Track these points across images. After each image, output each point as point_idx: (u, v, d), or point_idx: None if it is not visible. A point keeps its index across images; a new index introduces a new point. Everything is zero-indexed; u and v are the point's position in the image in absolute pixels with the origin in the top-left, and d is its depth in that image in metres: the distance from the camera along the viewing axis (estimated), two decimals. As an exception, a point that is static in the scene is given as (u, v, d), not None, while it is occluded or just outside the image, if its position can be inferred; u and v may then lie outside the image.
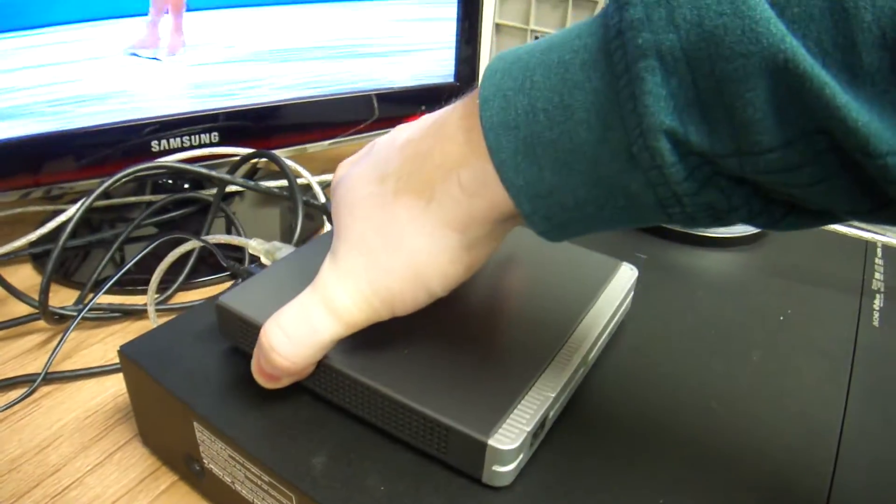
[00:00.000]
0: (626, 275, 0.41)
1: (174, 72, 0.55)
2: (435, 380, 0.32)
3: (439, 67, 0.66)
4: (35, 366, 0.47)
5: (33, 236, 0.52)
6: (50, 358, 0.46)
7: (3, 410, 0.44)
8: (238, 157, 0.56)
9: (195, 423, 0.35)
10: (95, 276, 0.52)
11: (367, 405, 0.33)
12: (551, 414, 0.32)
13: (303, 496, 0.31)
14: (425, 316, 0.35)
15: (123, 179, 0.49)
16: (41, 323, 0.51)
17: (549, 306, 0.37)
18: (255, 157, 0.54)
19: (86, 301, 0.50)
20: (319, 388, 0.34)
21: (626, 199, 0.24)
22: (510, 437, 0.29)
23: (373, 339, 0.34)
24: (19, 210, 0.62)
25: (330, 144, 0.65)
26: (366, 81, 0.63)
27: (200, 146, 0.56)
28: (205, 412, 0.35)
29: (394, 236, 0.29)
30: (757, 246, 0.52)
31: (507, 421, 0.30)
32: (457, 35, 0.65)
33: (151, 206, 0.58)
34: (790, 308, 0.44)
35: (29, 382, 0.46)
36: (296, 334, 0.31)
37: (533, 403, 0.31)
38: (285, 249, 0.44)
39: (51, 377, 0.46)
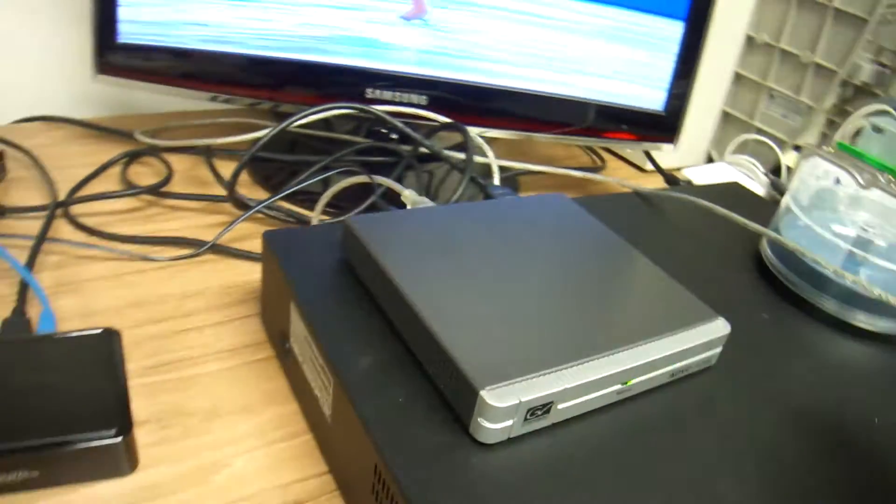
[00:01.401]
0: (716, 328, 0.39)
1: (412, 34, 0.61)
2: (477, 325, 0.34)
3: (651, 95, 0.67)
4: (209, 236, 0.55)
5: (238, 138, 0.60)
6: (221, 232, 0.54)
7: (172, 260, 0.53)
8: (436, 124, 0.61)
9: (291, 305, 0.40)
10: (287, 186, 0.60)
11: (408, 325, 0.36)
12: (560, 406, 0.33)
13: (338, 384, 0.34)
14: (509, 271, 0.38)
15: (325, 113, 0.56)
16: (229, 207, 0.59)
17: (623, 319, 0.38)
18: (447, 128, 0.59)
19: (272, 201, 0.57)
20: (385, 302, 0.38)
21: None
22: (502, 397, 0.31)
23: (449, 273, 0.37)
24: (250, 120, 0.72)
25: (534, 137, 0.68)
26: (577, 88, 0.65)
27: (409, 105, 0.62)
28: (301, 297, 0.39)
29: None
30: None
31: (509, 385, 0.31)
32: (674, 70, 0.65)
33: (354, 146, 0.65)
34: (890, 415, 0.40)
35: (199, 246, 0.54)
36: None
37: (543, 384, 0.32)
38: (426, 204, 0.48)
39: (217, 248, 0.54)
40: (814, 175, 0.77)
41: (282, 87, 0.63)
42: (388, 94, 0.62)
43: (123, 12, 0.58)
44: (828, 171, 0.75)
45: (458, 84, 0.63)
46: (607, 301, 0.39)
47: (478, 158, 0.61)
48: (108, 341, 0.41)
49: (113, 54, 0.59)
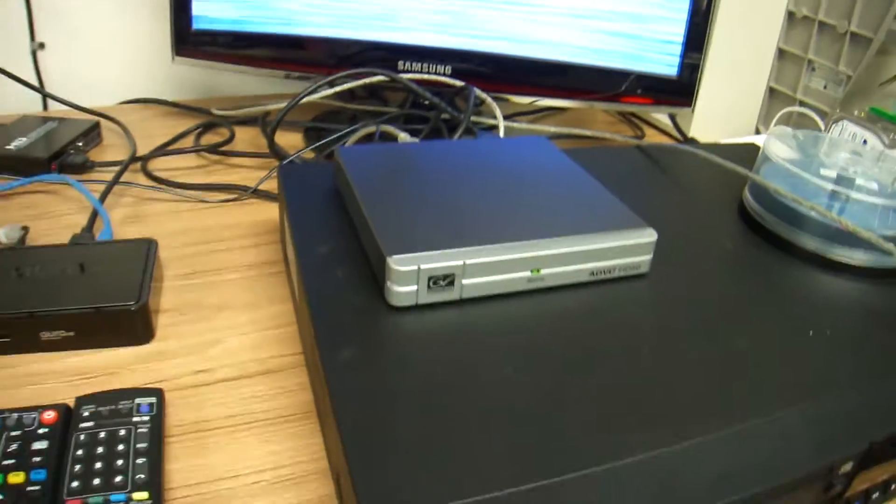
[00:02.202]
0: (640, 234, 0.43)
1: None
2: (407, 215, 0.41)
3: (664, 59, 0.70)
4: (253, 183, 0.65)
5: (274, 107, 0.70)
6: (262, 179, 0.63)
7: (221, 202, 0.63)
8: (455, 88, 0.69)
9: (285, 216, 0.48)
10: (321, 140, 0.68)
11: (357, 218, 0.43)
12: (466, 282, 0.39)
13: (299, 266, 0.42)
14: (460, 183, 0.45)
15: (340, 82, 0.64)
16: (276, 163, 0.69)
17: (546, 218, 0.43)
18: (461, 91, 0.66)
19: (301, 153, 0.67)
20: (349, 205, 0.46)
21: None
22: (404, 263, 0.37)
23: (403, 183, 0.44)
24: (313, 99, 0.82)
25: (551, 102, 0.74)
26: (592, 56, 0.70)
27: (434, 73, 0.70)
28: (290, 207, 0.48)
29: None
30: (872, 283, 0.47)
31: (413, 255, 0.38)
32: (685, 34, 0.68)
33: (386, 115, 0.74)
34: (829, 331, 0.42)
35: (245, 191, 0.64)
36: None
37: (445, 257, 0.38)
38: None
39: (259, 193, 0.64)
40: (843, 138, 0.77)
41: (331, 63, 0.73)
42: (416, 66, 0.70)
43: (196, 3, 0.70)
44: (855, 133, 0.75)
45: (482, 54, 0.70)
46: (537, 205, 0.44)
47: (488, 120, 0.67)
48: (146, 247, 0.50)
49: (188, 40, 0.71)
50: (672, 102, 0.71)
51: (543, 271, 0.41)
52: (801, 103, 0.86)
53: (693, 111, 0.71)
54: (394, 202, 0.43)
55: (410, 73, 0.69)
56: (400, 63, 0.71)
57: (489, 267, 0.39)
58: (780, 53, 0.86)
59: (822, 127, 0.81)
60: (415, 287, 0.38)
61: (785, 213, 0.50)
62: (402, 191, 0.45)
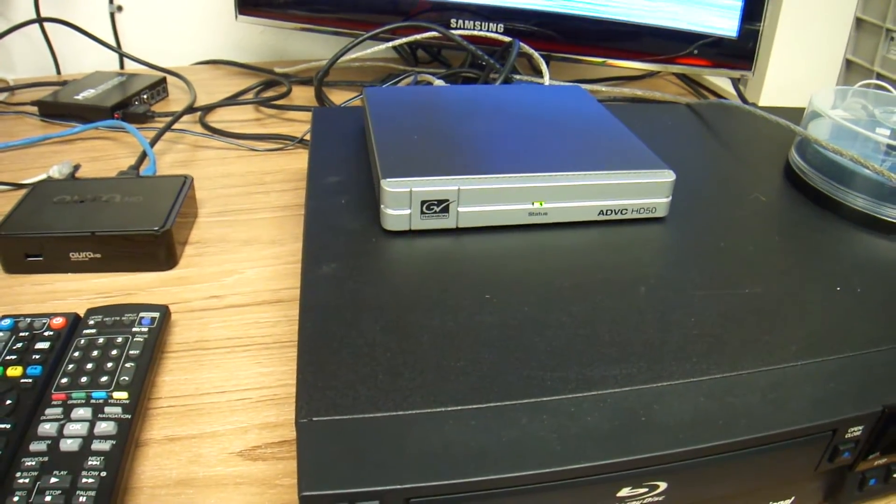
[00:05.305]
0: (656, 174, 0.41)
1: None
2: (415, 147, 0.41)
3: (723, 20, 0.67)
4: (299, 134, 0.66)
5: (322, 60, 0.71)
6: (307, 130, 0.65)
7: (268, 150, 0.64)
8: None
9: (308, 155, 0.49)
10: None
11: (369, 149, 0.44)
12: (462, 210, 0.38)
13: (306, 188, 0.43)
14: (479, 121, 0.45)
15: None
16: (326, 117, 0.70)
17: (556, 155, 0.42)
18: (508, 46, 0.65)
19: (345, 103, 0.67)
20: (366, 138, 0.46)
21: None
22: (397, 185, 0.37)
23: (420, 118, 0.45)
24: (378, 63, 0.83)
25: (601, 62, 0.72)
26: (647, 15, 0.68)
27: (485, 30, 0.69)
28: (314, 142, 0.49)
29: None
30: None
31: (409, 179, 0.37)
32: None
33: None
34: (860, 289, 0.38)
35: (289, 141, 0.65)
36: None
37: (439, 182, 0.38)
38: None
39: (305, 143, 0.65)
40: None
41: (388, 23, 0.73)
42: (469, 24, 0.70)
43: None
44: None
45: (532, 11, 0.69)
46: (552, 142, 0.43)
47: (536, 79, 0.66)
48: (181, 182, 0.52)
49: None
50: (732, 65, 0.68)
51: (546, 205, 0.40)
52: (879, 76, 0.80)
53: (753, 74, 0.68)
54: (404, 134, 0.43)
55: (460, 31, 0.69)
56: (453, 21, 0.70)
57: (485, 195, 0.38)
58: (858, 23, 0.81)
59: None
60: (408, 211, 0.38)
61: (830, 169, 0.47)
62: (415, 125, 0.44)
